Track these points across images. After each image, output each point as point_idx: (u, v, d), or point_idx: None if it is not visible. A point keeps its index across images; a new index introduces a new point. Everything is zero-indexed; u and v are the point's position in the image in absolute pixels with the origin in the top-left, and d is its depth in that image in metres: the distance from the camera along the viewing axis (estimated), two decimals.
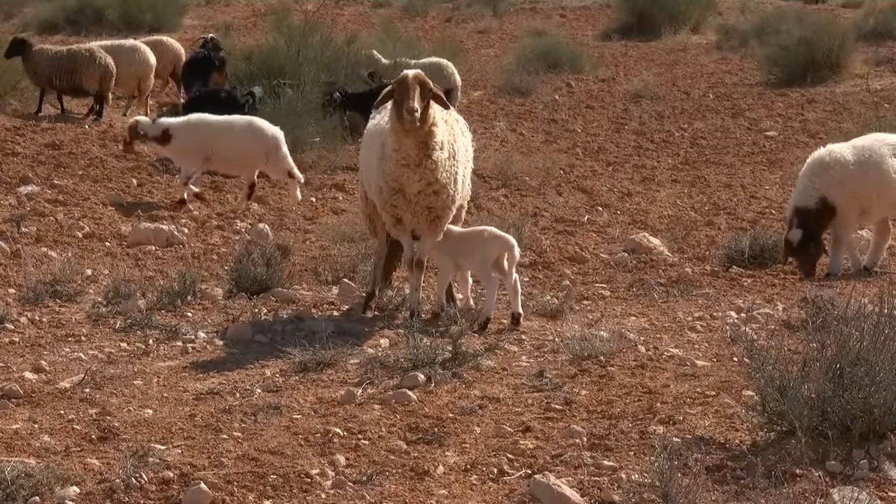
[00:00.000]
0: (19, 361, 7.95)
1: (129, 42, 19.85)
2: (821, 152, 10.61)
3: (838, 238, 10.49)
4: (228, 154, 13.17)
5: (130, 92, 19.41)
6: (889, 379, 6.01)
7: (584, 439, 6.36)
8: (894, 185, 10.45)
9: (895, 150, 10.59)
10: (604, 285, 10.19)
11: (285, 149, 13.29)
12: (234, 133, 13.20)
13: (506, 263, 8.71)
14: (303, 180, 13.56)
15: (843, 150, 10.55)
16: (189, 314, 9.10)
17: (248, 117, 13.79)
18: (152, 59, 19.22)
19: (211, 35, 20.75)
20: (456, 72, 18.93)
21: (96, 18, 28.78)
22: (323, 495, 5.77)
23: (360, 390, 7.25)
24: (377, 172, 8.72)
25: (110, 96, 18.57)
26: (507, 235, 8.90)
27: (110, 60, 18.16)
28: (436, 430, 6.59)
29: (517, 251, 8.84)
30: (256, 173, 13.36)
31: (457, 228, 9.00)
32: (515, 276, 8.77)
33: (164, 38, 21.49)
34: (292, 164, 13.36)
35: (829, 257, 10.57)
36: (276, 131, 13.31)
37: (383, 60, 19.08)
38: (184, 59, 20.35)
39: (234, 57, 20.00)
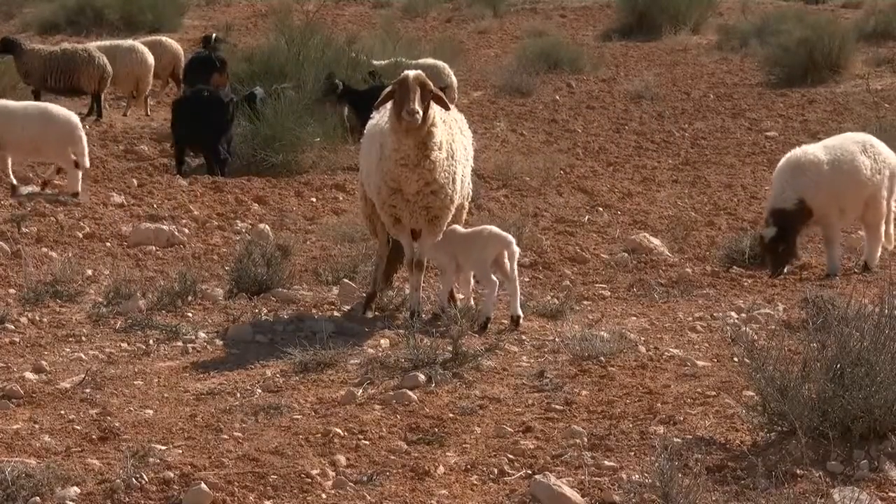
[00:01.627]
0: (20, 362, 7.95)
1: (127, 42, 19.88)
2: (796, 153, 10.63)
3: (829, 238, 10.51)
4: (20, 140, 13.02)
5: (128, 92, 19.44)
6: (889, 379, 6.01)
7: (585, 439, 6.36)
8: (866, 181, 10.50)
9: (864, 146, 10.65)
10: (604, 285, 10.19)
11: (82, 135, 13.16)
12: (26, 119, 13.07)
13: (506, 263, 8.71)
14: (87, 166, 13.31)
15: (816, 151, 10.59)
16: (189, 314, 9.10)
17: (42, 103, 13.66)
18: (150, 58, 19.24)
19: (215, 34, 20.76)
20: (452, 73, 18.91)
21: (96, 19, 28.79)
22: (323, 495, 5.77)
23: (361, 390, 7.25)
24: (376, 172, 8.72)
25: (103, 96, 18.60)
26: (505, 234, 8.90)
27: (106, 60, 18.18)
28: (436, 430, 6.60)
29: (516, 249, 8.84)
30: (72, 157, 13.05)
31: (460, 228, 9.01)
32: (516, 277, 8.76)
33: (164, 38, 21.52)
34: (85, 153, 13.15)
35: (826, 258, 10.60)
36: (72, 117, 13.21)
37: (380, 63, 19.07)
38: (182, 59, 20.38)
39: (234, 57, 20.00)
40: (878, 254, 10.68)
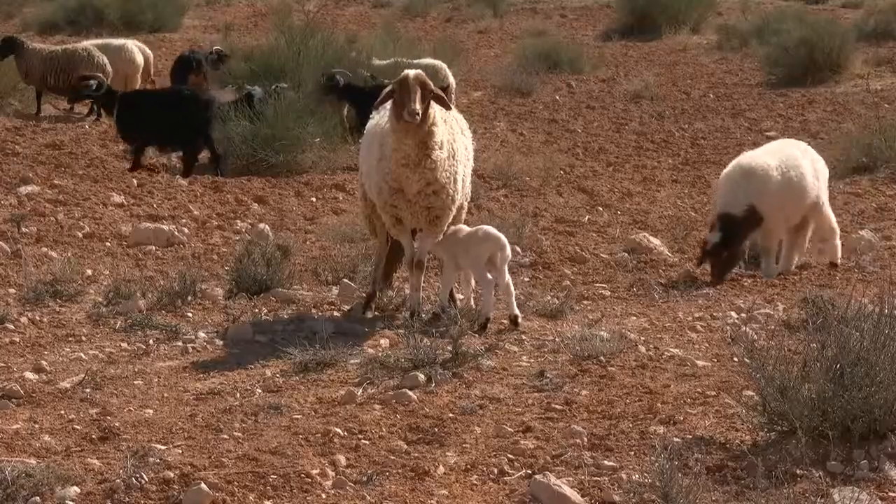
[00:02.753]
0: (20, 361, 7.95)
1: (118, 41, 19.89)
2: (745, 159, 10.53)
3: (767, 248, 10.37)
4: None
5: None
6: (889, 379, 6.01)
7: (585, 439, 6.36)
8: (811, 189, 10.49)
9: (805, 152, 10.66)
10: (604, 285, 10.18)
11: None
12: None
13: (498, 263, 8.69)
14: None
15: (766, 157, 10.50)
16: (189, 314, 9.10)
17: None
18: (139, 57, 19.28)
19: (217, 48, 20.76)
20: (450, 73, 18.89)
21: (96, 18, 28.76)
22: (323, 495, 5.77)
23: (361, 390, 7.26)
24: (377, 172, 8.73)
25: None
26: (499, 234, 8.88)
27: (106, 60, 18.18)
28: (436, 430, 6.60)
29: (508, 251, 8.82)
30: None
31: (465, 228, 9.00)
32: (508, 277, 8.75)
33: (127, 41, 21.41)
34: None
35: (762, 264, 10.47)
36: None
37: (380, 63, 19.06)
38: (152, 60, 20.49)
39: (234, 57, 19.98)
40: (840, 248, 10.67)
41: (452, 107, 9.17)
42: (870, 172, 14.68)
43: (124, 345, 8.33)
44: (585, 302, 9.62)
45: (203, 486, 5.67)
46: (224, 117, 15.04)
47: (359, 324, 8.86)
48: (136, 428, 6.66)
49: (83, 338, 8.50)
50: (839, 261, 10.63)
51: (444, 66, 18.91)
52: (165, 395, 7.31)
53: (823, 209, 10.70)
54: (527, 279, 10.24)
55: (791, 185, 10.42)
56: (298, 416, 6.83)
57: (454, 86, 18.88)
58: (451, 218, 8.87)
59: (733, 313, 9.03)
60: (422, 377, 7.39)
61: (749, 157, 10.60)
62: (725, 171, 10.67)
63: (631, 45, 28.19)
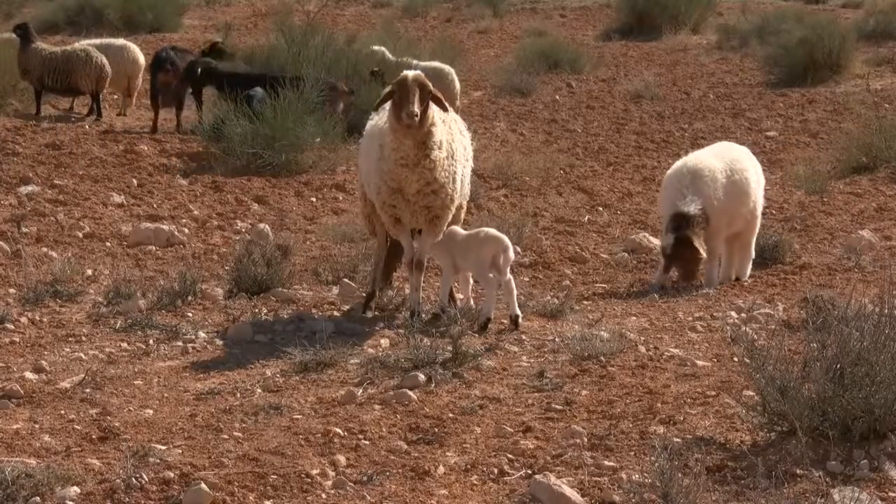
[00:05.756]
0: (20, 361, 7.95)
1: (119, 41, 19.86)
2: (692, 160, 10.31)
3: (712, 250, 10.14)
4: None
5: (121, 90, 19.41)
6: (890, 379, 6.01)
7: (585, 439, 6.37)
8: (753, 194, 10.40)
9: (749, 157, 10.57)
10: (604, 285, 10.18)
11: None
12: None
13: (501, 264, 8.69)
14: None
15: (712, 160, 10.31)
16: (189, 314, 9.10)
17: None
18: (141, 58, 19.24)
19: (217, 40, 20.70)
20: (456, 77, 18.86)
21: (96, 18, 28.72)
22: (323, 495, 5.78)
23: (361, 390, 7.26)
24: (376, 172, 8.74)
25: (102, 96, 18.58)
26: (502, 236, 8.88)
27: (105, 60, 18.15)
28: (436, 430, 6.60)
29: (511, 252, 8.83)
30: None
31: (460, 230, 9.00)
32: (510, 277, 8.74)
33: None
34: None
35: (706, 272, 10.18)
36: None
37: (389, 56, 18.98)
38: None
39: (234, 57, 19.95)
40: (749, 268, 10.50)
41: (450, 108, 9.17)
42: (870, 172, 14.67)
43: (124, 345, 8.33)
44: (585, 302, 9.62)
45: (203, 486, 5.67)
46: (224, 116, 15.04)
47: (359, 324, 8.87)
48: (136, 428, 6.66)
49: (83, 338, 8.50)
50: (746, 278, 10.34)
51: (452, 70, 18.83)
52: (165, 395, 7.32)
53: (755, 219, 10.49)
54: (527, 279, 10.24)
55: (736, 188, 10.30)
56: (298, 416, 6.83)
57: (458, 89, 18.82)
58: (450, 217, 8.88)
59: (733, 313, 9.04)
60: (422, 377, 7.39)
61: (696, 159, 10.38)
62: (671, 171, 10.45)
63: (631, 45, 28.18)
